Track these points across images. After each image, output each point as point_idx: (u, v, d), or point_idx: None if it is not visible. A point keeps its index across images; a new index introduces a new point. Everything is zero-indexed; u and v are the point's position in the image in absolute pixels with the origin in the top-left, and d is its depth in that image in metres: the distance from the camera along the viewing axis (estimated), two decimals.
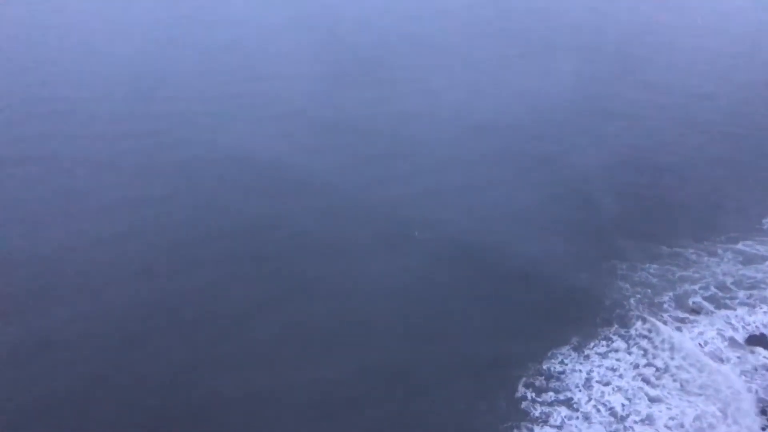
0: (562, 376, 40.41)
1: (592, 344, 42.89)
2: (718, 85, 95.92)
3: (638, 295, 47.67)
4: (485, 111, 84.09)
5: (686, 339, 43.16)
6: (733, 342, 43.49)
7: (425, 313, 45.96)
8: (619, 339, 43.30)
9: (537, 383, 39.73)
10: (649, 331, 43.73)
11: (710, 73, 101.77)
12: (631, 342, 43.01)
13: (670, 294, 47.88)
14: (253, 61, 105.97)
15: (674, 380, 39.85)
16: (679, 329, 44.09)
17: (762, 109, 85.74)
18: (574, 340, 43.07)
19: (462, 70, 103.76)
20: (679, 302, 47.14)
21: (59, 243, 52.56)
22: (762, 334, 44.11)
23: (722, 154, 72.21)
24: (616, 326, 44.48)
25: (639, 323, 44.44)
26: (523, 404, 38.33)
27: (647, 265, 50.97)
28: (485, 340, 43.18)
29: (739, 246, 53.54)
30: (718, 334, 44.16)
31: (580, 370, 40.77)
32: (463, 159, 70.02)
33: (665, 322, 44.74)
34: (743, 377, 40.18)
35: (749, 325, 45.32)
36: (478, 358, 41.55)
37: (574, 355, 42.01)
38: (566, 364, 41.26)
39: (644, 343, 42.90)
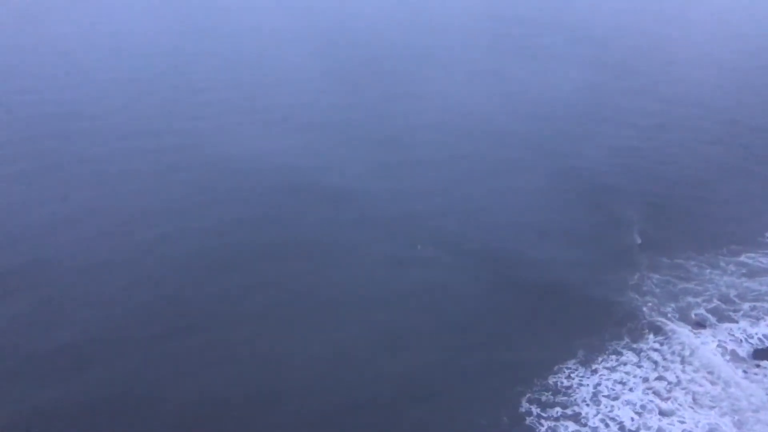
0: (569, 390, 39.14)
1: (600, 358, 41.70)
2: (733, 98, 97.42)
3: (649, 304, 46.85)
4: (500, 122, 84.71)
5: (701, 349, 42.22)
6: (737, 355, 42.66)
7: (429, 323, 44.72)
8: (629, 352, 42.21)
9: (543, 398, 38.44)
10: (660, 344, 42.74)
11: (727, 87, 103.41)
12: (642, 355, 41.93)
13: (673, 306, 47.06)
14: (272, 74, 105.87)
15: (686, 393, 38.80)
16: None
17: None
18: (581, 354, 41.89)
19: (478, 82, 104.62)
20: (682, 314, 46.32)
21: (75, 255, 51.19)
22: None
23: (729, 166, 72.49)
24: (626, 339, 43.41)
25: (651, 335, 43.52)
26: (528, 420, 36.98)
27: (651, 275, 50.24)
28: (489, 353, 41.87)
29: (742, 258, 53.07)
30: (720, 346, 43.34)
31: (588, 384, 39.56)
32: (478, 169, 69.85)
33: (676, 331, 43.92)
34: (757, 389, 39.22)
35: (752, 337, 44.60)
36: (481, 372, 40.20)
37: (581, 369, 40.79)
38: (573, 378, 40.02)
39: (655, 355, 41.81)
